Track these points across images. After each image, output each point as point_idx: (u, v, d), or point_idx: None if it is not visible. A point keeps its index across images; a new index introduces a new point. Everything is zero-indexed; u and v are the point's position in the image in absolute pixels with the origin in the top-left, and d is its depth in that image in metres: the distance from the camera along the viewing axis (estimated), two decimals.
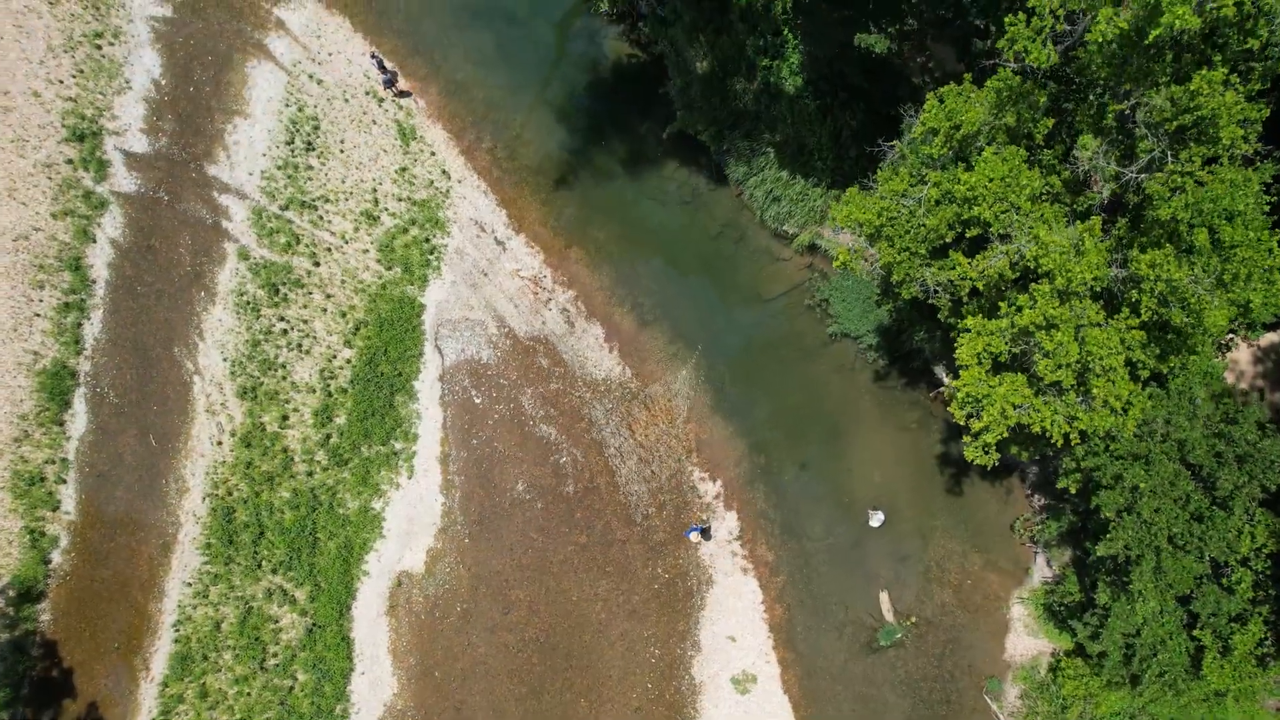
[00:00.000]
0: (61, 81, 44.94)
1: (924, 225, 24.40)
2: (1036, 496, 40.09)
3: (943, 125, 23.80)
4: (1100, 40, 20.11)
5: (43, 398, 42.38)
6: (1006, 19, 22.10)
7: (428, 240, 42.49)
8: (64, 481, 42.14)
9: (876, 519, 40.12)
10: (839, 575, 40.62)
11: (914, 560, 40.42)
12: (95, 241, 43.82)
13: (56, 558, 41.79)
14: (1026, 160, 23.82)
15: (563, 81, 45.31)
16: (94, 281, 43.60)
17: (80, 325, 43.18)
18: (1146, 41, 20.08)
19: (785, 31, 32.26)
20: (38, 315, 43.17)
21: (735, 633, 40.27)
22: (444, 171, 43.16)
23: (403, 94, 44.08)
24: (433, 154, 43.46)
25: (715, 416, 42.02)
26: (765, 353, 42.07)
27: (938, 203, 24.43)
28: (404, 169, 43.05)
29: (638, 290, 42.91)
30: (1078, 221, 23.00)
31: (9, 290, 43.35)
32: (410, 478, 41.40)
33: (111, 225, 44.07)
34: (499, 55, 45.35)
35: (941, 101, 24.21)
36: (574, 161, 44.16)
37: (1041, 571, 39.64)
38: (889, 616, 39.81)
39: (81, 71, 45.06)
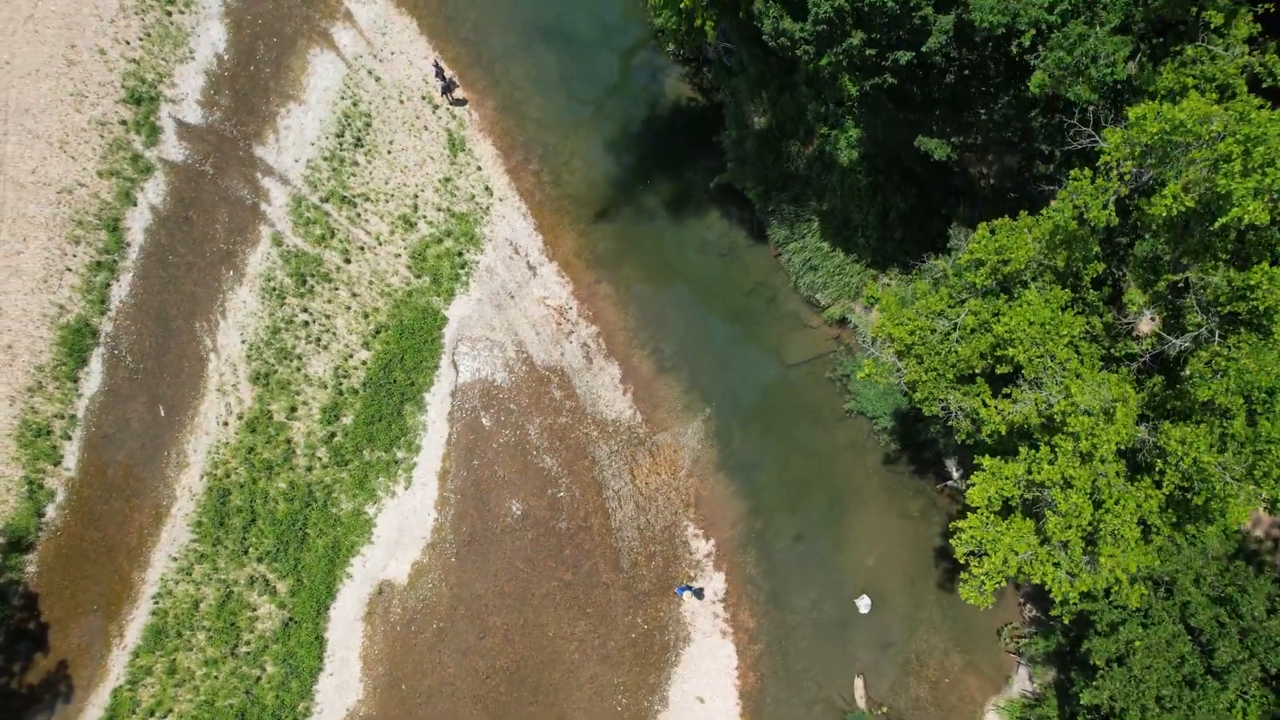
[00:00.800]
0: (128, 43, 45.22)
1: (955, 351, 23.84)
2: (1029, 606, 39.37)
3: (991, 259, 23.26)
4: (1164, 215, 19.48)
5: (62, 352, 42.70)
6: (1072, 173, 21.50)
7: (460, 254, 42.35)
8: (69, 438, 42.40)
9: (864, 605, 39.56)
10: (817, 652, 40.09)
11: (895, 650, 39.80)
12: (136, 205, 44.08)
13: (51, 512, 42.09)
14: (1069, 301, 23.18)
15: (619, 113, 45.04)
16: (128, 245, 43.86)
17: (109, 286, 43.44)
18: (1212, 228, 19.45)
19: (847, 107, 31.69)
20: (69, 270, 43.49)
21: (705, 694, 39.85)
22: (487, 188, 43.01)
23: (458, 102, 43.99)
24: (479, 168, 43.29)
25: (718, 474, 41.60)
26: (778, 417, 41.59)
27: (973, 330, 23.85)
28: (448, 179, 42.92)
29: (661, 335, 42.52)
30: (1111, 375, 22.30)
31: (46, 241, 43.68)
32: (407, 488, 41.29)
33: (154, 191, 44.29)
34: (559, 78, 45.14)
35: (993, 233, 23.62)
36: (617, 196, 43.85)
37: (1022, 683, 38.89)
38: (861, 702, 39.23)
39: (149, 35, 45.30)
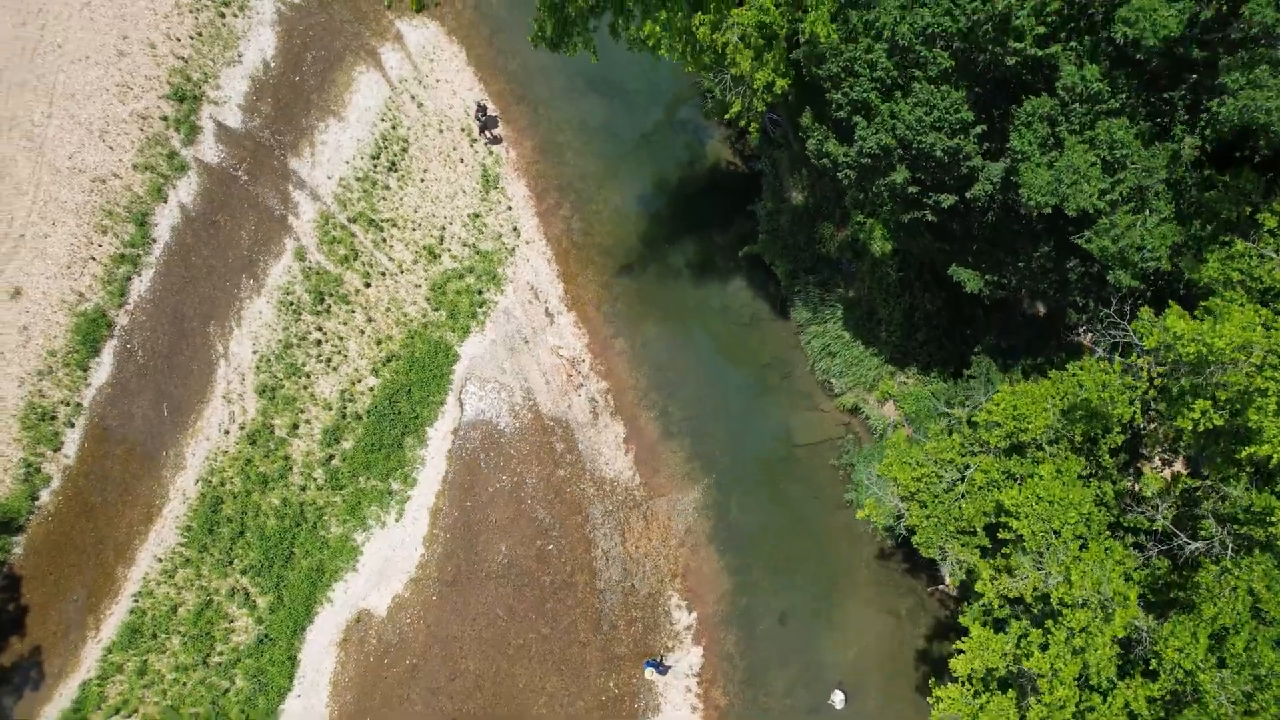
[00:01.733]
0: (179, 40, 45.58)
1: (959, 505, 23.43)
2: None
3: (1007, 423, 22.81)
4: (1189, 428, 19.01)
5: (76, 339, 43.09)
6: (1102, 364, 21.02)
7: (480, 292, 42.32)
8: (72, 425, 42.79)
9: (838, 700, 39.10)
10: None
11: None
12: (166, 202, 44.42)
13: (45, 496, 42.46)
14: (1082, 473, 22.70)
15: (657, 167, 44.89)
16: (154, 240, 44.23)
17: (129, 279, 43.82)
18: (1239, 455, 18.96)
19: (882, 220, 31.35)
20: (93, 259, 43.86)
21: None
22: (515, 228, 42.95)
23: (494, 140, 43.93)
24: (509, 208, 43.24)
25: (709, 546, 41.30)
26: (777, 496, 41.29)
27: (980, 487, 23.44)
28: (477, 215, 42.92)
29: (670, 398, 42.36)
30: (1114, 562, 21.76)
31: (74, 227, 44.06)
32: (398, 521, 41.29)
33: (185, 190, 44.61)
34: (602, 126, 45.07)
35: (1014, 394, 23.18)
36: (644, 251, 43.72)
37: None
38: None
39: (200, 35, 45.64)
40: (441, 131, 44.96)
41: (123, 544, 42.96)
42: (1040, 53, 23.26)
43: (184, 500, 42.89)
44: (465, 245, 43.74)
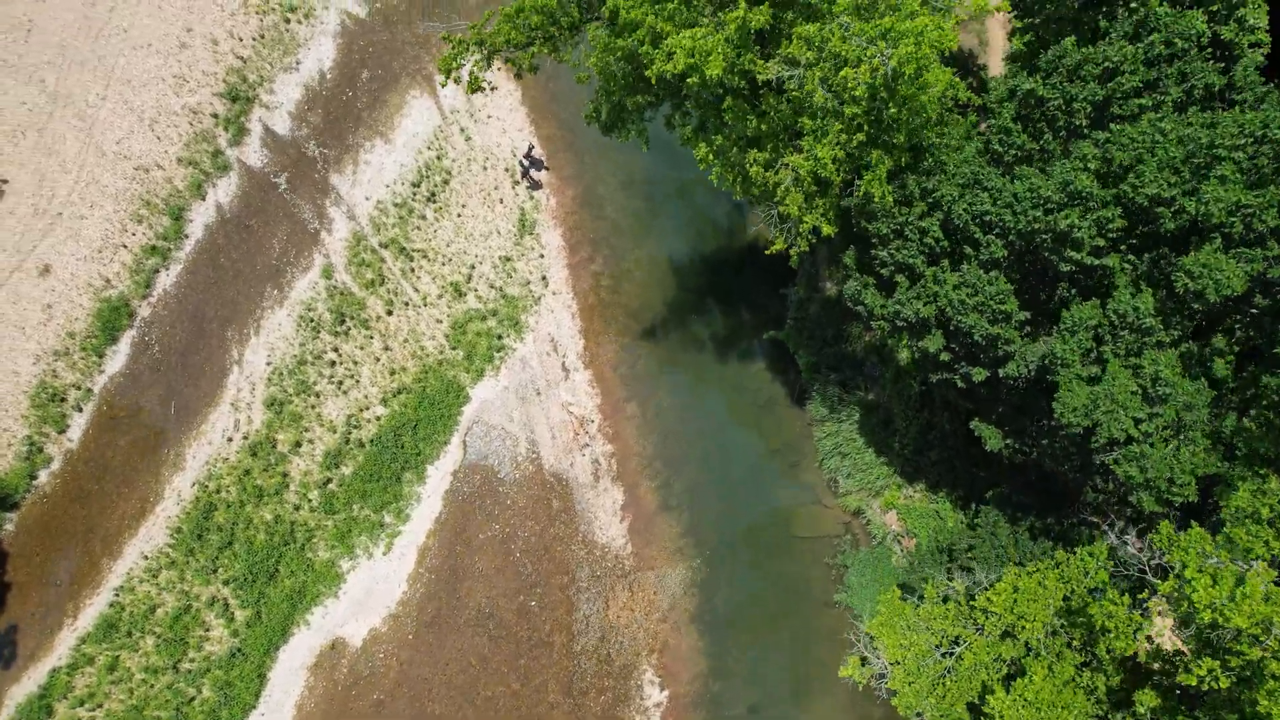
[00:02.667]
0: (241, 40, 45.91)
1: (945, 682, 23.04)
2: None
3: (1008, 616, 22.39)
4: (1194, 684, 18.57)
5: (96, 324, 43.55)
6: (1115, 603, 20.57)
7: (500, 337, 42.31)
8: (80, 410, 43.22)
9: None
10: None
11: None
12: (204, 200, 44.80)
13: (43, 477, 42.91)
14: (1076, 671, 22.23)
15: (695, 233, 44.77)
16: (186, 237, 44.60)
17: (157, 272, 44.25)
18: (1241, 697, 18.49)
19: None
20: (124, 247, 44.29)
21: None
22: (544, 277, 42.90)
23: (535, 185, 43.82)
24: (541, 256, 43.20)
25: (691, 626, 41.09)
26: (767, 585, 41.07)
27: (969, 668, 23.03)
28: (508, 258, 42.90)
29: (674, 470, 42.18)
30: None
31: (110, 212, 44.51)
32: (385, 554, 41.35)
33: (225, 190, 44.95)
34: (646, 185, 45.04)
35: (1015, 590, 22.75)
36: (670, 317, 43.51)
37: None
38: None
39: (262, 37, 45.95)
40: (485, 169, 45.01)
41: (112, 535, 43.32)
42: (1096, 262, 22.98)
43: (178, 501, 43.19)
44: (492, 287, 43.74)
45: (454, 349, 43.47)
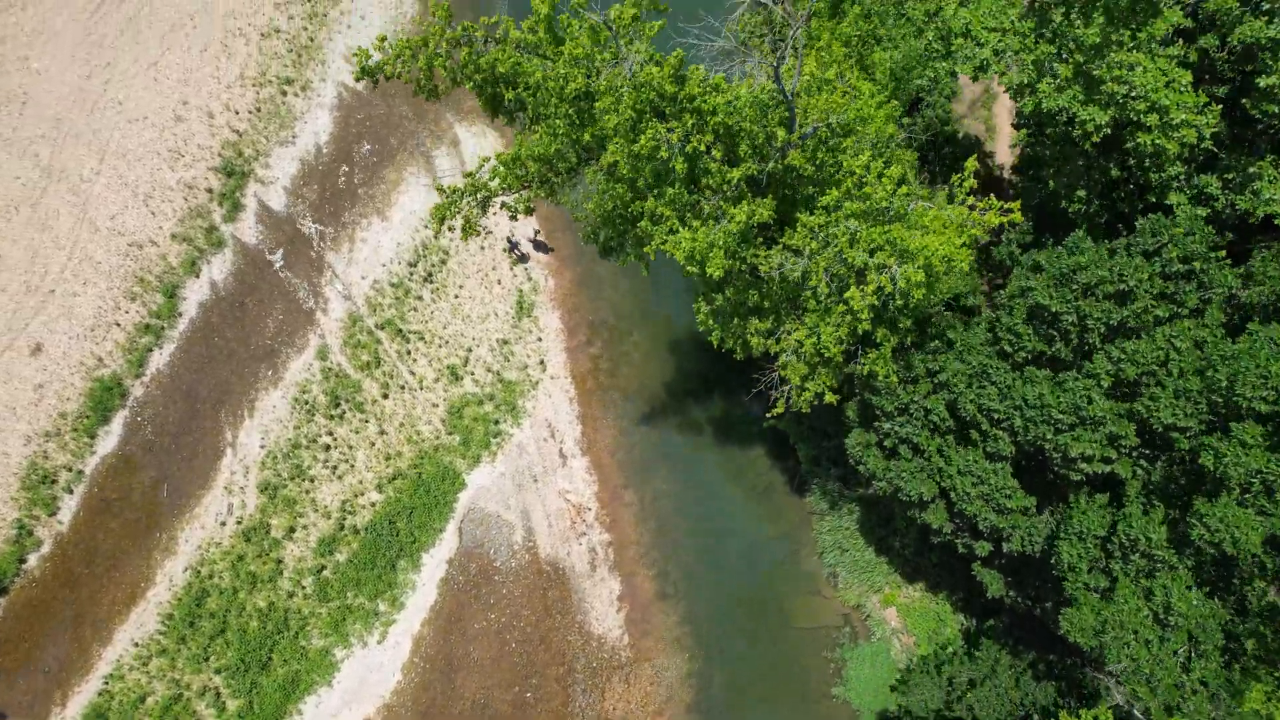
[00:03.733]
0: (237, 113, 46.06)
1: None
2: None
3: None
4: None
5: (88, 404, 43.62)
6: None
7: (497, 422, 42.35)
8: (71, 492, 43.27)
9: None
10: None
11: None
12: (198, 277, 44.88)
13: (32, 560, 42.90)
14: None
15: (694, 319, 44.43)
16: (180, 315, 44.68)
17: (151, 351, 44.34)
18: None
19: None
20: (118, 325, 44.37)
21: None
22: (542, 361, 42.94)
23: (523, 258, 43.80)
24: (539, 339, 43.23)
25: (688, 717, 40.95)
26: (764, 676, 41.24)
27: None
28: (506, 341, 42.95)
29: (671, 558, 42.23)
30: None
31: (104, 289, 44.59)
32: (380, 643, 41.38)
33: (219, 268, 45.03)
34: (651, 269, 44.67)
35: None
36: (668, 403, 43.63)
37: None
38: None
39: (258, 110, 46.09)
40: (483, 249, 45.11)
41: (102, 621, 43.30)
42: (1106, 469, 23.04)
43: (170, 587, 43.18)
44: (489, 371, 43.79)
45: (450, 434, 43.49)
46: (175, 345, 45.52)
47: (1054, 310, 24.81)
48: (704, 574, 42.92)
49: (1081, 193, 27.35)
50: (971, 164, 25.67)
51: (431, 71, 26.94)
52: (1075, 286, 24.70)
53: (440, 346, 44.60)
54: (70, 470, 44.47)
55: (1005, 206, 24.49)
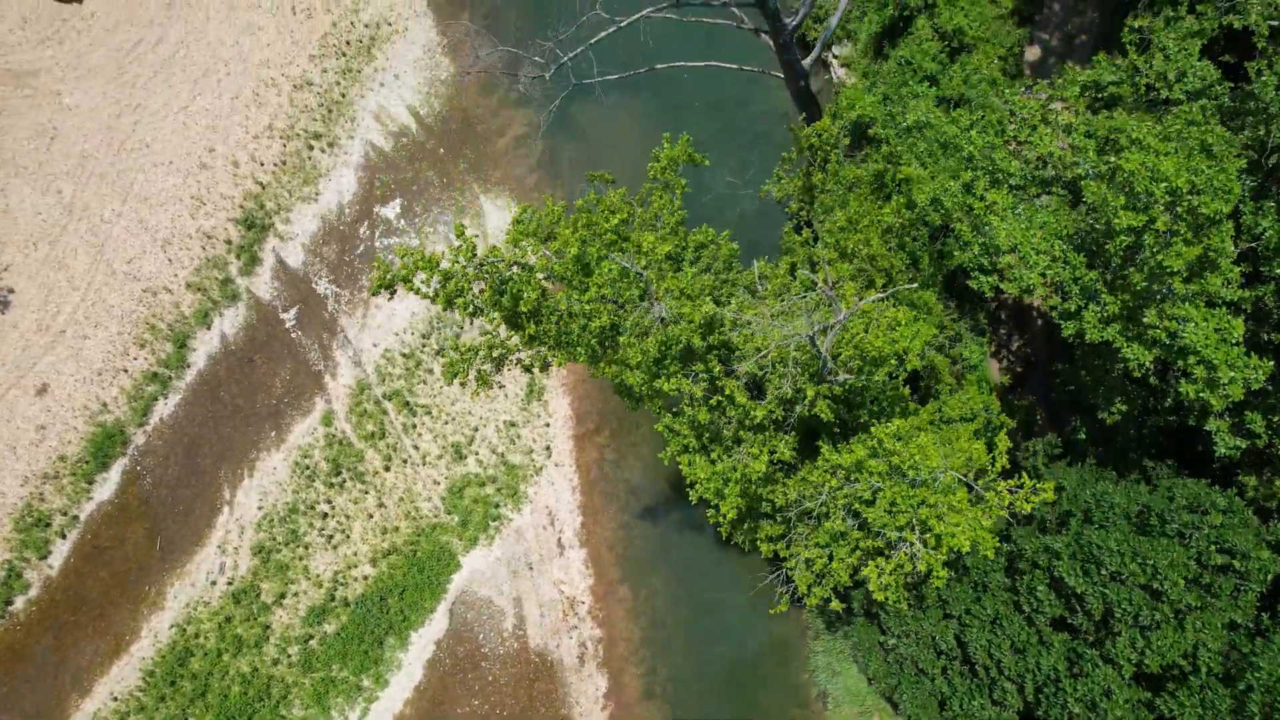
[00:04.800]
0: (262, 164, 46.50)
1: None
2: None
3: None
4: None
5: (88, 449, 44.08)
6: None
7: (497, 505, 42.58)
8: (64, 537, 43.72)
9: None
10: None
11: None
12: (209, 329, 45.33)
13: (19, 603, 43.37)
14: None
15: None
16: (188, 366, 45.13)
17: (156, 400, 44.79)
18: None
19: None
20: (125, 371, 44.84)
21: None
22: (548, 447, 43.16)
23: None
24: (547, 425, 43.44)
25: None
26: None
27: None
28: (513, 424, 43.19)
29: (661, 657, 42.49)
30: None
31: (114, 333, 45.08)
32: (361, 719, 41.39)
33: (231, 321, 45.47)
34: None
35: None
36: (671, 498, 43.85)
37: None
38: None
39: (284, 163, 46.53)
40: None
41: (83, 672, 43.69)
42: None
43: (154, 642, 43.50)
44: (494, 452, 44.01)
45: (449, 514, 43.72)
46: (181, 396, 45.89)
47: (1080, 591, 24.89)
48: (692, 678, 42.96)
49: (1121, 406, 27.37)
50: (1004, 442, 25.54)
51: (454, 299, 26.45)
52: (1103, 572, 24.81)
53: (446, 423, 44.79)
54: (65, 515, 44.85)
55: (1037, 486, 24.39)
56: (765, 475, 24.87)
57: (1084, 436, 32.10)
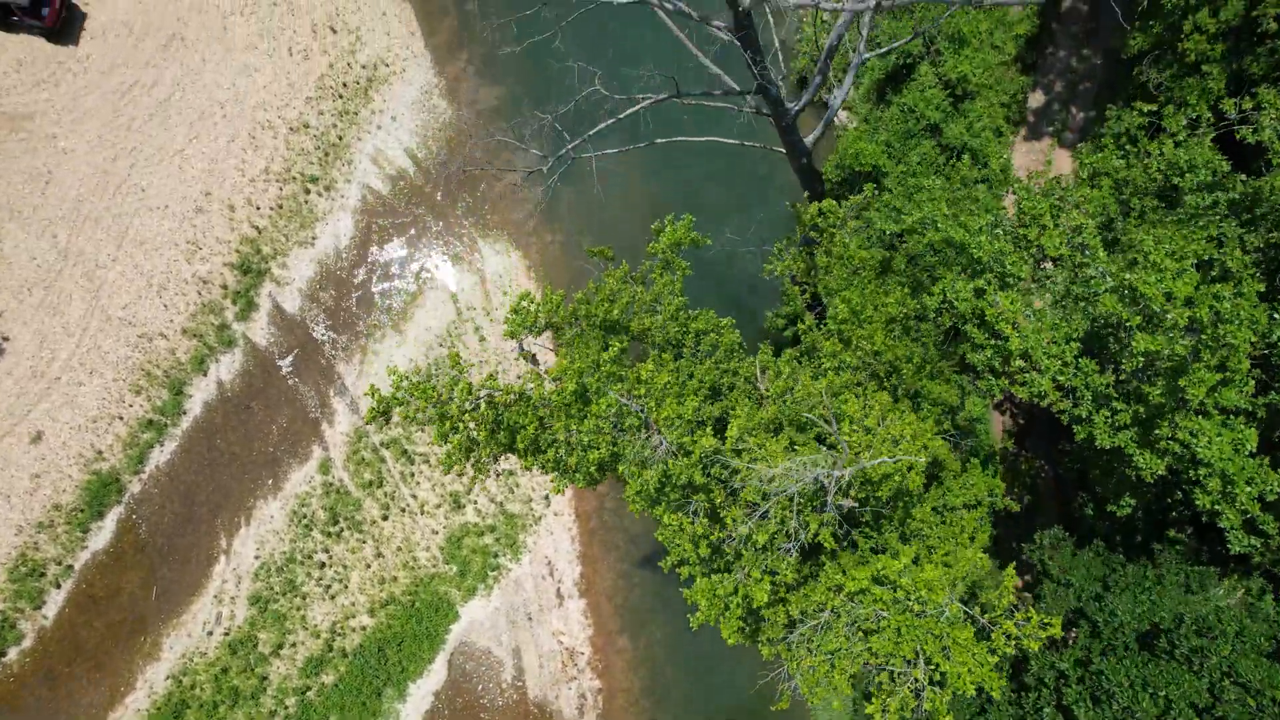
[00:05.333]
0: (259, 208, 46.58)
1: None
2: None
3: None
4: None
5: (84, 498, 44.12)
6: None
7: (496, 555, 42.73)
8: (59, 586, 43.71)
9: None
10: None
11: None
12: (206, 375, 45.41)
13: (12, 654, 43.42)
14: None
15: None
16: (184, 413, 45.13)
17: (151, 448, 44.83)
18: None
19: None
20: (120, 419, 44.84)
21: None
22: (546, 497, 43.20)
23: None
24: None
25: None
26: None
27: None
28: (511, 472, 43.34)
29: (661, 710, 43.23)
30: None
31: (109, 381, 45.07)
32: None
33: (227, 367, 45.51)
34: None
35: None
36: None
37: None
38: None
39: (280, 207, 46.62)
40: (496, 374, 45.31)
41: None
42: None
43: (150, 694, 43.55)
44: (493, 502, 44.13)
45: (448, 564, 43.84)
46: (177, 444, 45.94)
47: None
48: None
49: (1130, 499, 27.59)
50: (1011, 578, 25.70)
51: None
52: (1114, 705, 24.95)
53: (445, 472, 44.81)
54: (59, 564, 44.86)
55: (1045, 620, 24.59)
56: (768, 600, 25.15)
57: (1091, 513, 32.39)
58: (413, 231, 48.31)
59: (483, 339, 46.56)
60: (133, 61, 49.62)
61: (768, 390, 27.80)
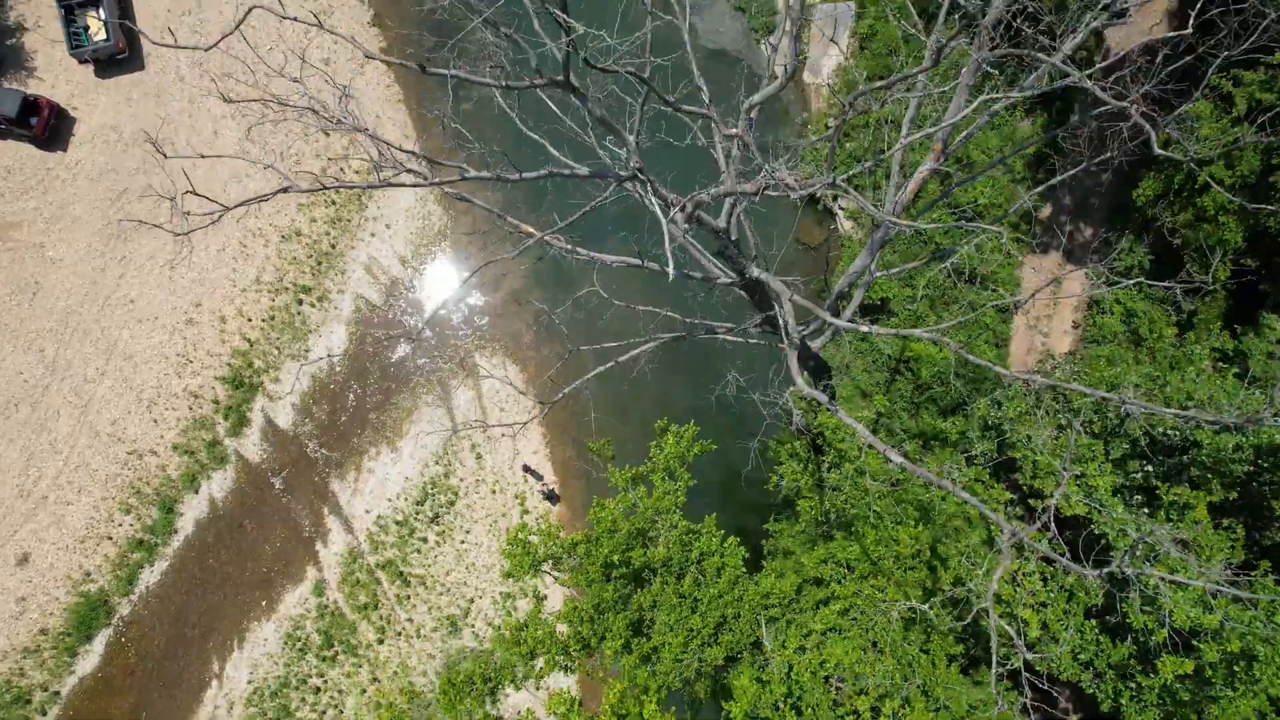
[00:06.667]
0: (250, 320, 46.90)
1: None
2: None
3: None
4: None
5: (71, 621, 44.25)
6: None
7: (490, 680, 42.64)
8: (45, 714, 44.03)
9: None
10: None
11: None
12: (197, 493, 45.63)
13: None
14: None
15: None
16: (175, 531, 45.40)
17: (141, 568, 45.06)
18: None
19: None
20: (109, 539, 45.00)
21: None
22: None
23: (538, 477, 44.65)
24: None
25: None
26: None
27: None
28: (509, 596, 43.90)
29: None
30: None
31: (98, 499, 45.22)
32: None
33: (219, 484, 45.76)
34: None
35: None
36: None
37: None
38: None
39: (272, 319, 46.95)
40: (494, 493, 46.01)
41: None
42: None
43: None
44: (490, 625, 44.47)
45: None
46: (168, 564, 46.13)
47: None
48: None
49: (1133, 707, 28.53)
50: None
51: None
52: None
53: (442, 594, 45.32)
54: (46, 690, 44.93)
55: None
56: None
57: None
58: (407, 344, 48.70)
59: (479, 457, 47.02)
60: (121, 167, 49.79)
61: (770, 653, 28.77)
